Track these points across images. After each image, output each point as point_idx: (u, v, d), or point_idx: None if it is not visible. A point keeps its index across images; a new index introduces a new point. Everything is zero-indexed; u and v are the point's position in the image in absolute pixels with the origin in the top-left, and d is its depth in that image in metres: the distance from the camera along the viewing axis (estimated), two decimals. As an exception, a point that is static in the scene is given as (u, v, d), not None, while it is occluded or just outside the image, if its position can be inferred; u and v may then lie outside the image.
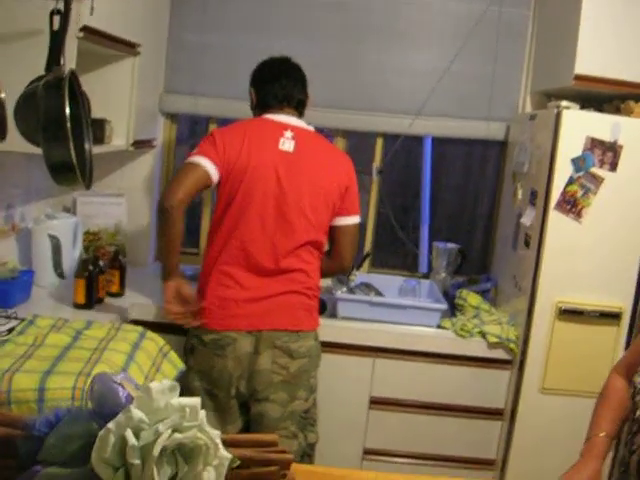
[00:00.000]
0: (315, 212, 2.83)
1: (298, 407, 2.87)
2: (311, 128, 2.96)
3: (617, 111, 3.25)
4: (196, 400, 1.13)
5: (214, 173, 2.73)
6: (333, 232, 2.97)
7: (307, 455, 2.95)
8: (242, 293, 2.79)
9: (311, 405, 2.94)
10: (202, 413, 1.12)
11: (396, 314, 3.40)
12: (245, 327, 2.78)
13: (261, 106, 2.97)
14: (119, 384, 1.17)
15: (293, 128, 2.86)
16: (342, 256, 3.01)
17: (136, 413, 1.08)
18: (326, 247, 3.02)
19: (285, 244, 2.79)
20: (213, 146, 2.75)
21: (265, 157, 2.77)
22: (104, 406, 1.15)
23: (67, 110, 1.83)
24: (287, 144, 2.81)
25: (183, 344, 2.92)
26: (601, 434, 2.03)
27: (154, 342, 2.52)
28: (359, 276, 3.81)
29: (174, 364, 2.54)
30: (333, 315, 3.49)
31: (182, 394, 1.18)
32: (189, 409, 1.11)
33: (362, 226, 4.06)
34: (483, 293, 3.72)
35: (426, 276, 4.11)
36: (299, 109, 2.98)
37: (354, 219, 2.98)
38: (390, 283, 3.93)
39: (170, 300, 2.76)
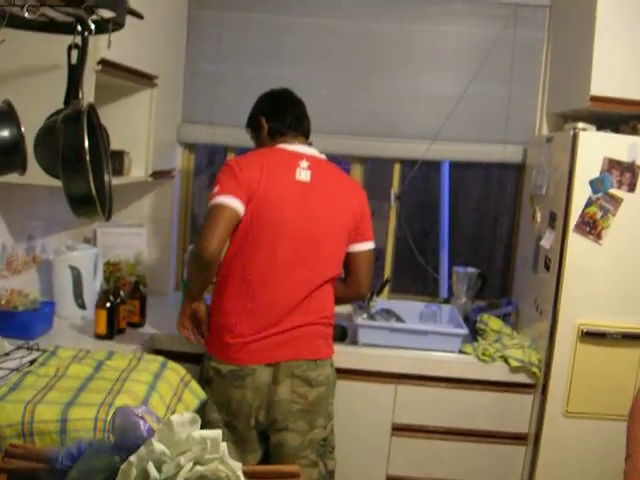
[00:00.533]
0: (333, 244, 2.84)
1: (317, 435, 2.85)
2: (323, 156, 2.97)
3: (634, 131, 3.24)
4: (217, 432, 1.13)
5: (241, 209, 2.71)
6: (349, 259, 2.95)
7: None
8: (257, 328, 2.76)
9: (329, 432, 2.92)
10: (223, 445, 1.12)
11: (417, 340, 3.38)
12: (263, 361, 2.76)
13: (273, 134, 2.97)
14: (140, 417, 1.17)
15: (308, 157, 2.86)
16: (359, 283, 2.99)
17: (158, 446, 1.08)
18: (341, 274, 3.01)
19: (304, 279, 2.78)
20: (234, 179, 2.72)
21: (283, 188, 2.77)
22: (126, 439, 1.15)
23: (86, 143, 1.85)
24: (304, 174, 2.80)
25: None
26: None
27: (175, 372, 2.53)
28: (379, 302, 3.80)
29: (196, 394, 2.54)
30: (354, 342, 3.47)
31: (201, 426, 1.18)
32: (210, 441, 1.11)
33: (381, 252, 4.07)
34: (504, 317, 3.71)
35: (447, 301, 4.10)
36: (308, 138, 3.01)
37: (369, 245, 2.97)
38: (411, 309, 3.91)
39: (184, 318, 2.88)
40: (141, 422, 1.16)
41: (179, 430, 1.09)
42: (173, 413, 2.29)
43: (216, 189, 2.73)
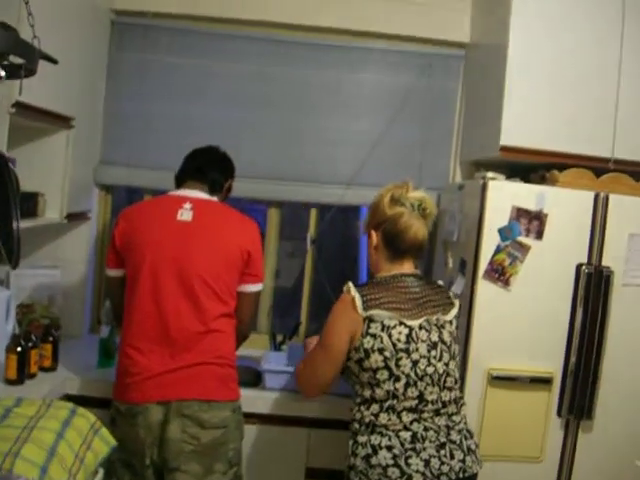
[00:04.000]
0: (218, 279, 2.84)
1: None
2: (214, 199, 3.03)
3: (543, 180, 3.36)
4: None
5: (122, 272, 2.95)
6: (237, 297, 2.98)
7: None
8: (151, 366, 2.79)
9: (231, 479, 2.88)
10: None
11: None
12: (154, 399, 2.76)
13: (177, 181, 3.09)
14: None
15: (192, 200, 2.93)
16: (241, 320, 2.99)
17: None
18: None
19: (192, 316, 2.80)
20: (113, 244, 2.95)
21: (161, 230, 2.86)
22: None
23: (-7, 192, 1.84)
24: (185, 214, 2.87)
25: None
26: None
27: (85, 419, 2.49)
28: (292, 345, 3.85)
29: (106, 441, 2.51)
30: (268, 387, 3.45)
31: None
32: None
33: (297, 295, 4.09)
34: (417, 360, 3.73)
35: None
36: (214, 187, 3.06)
37: (257, 287, 3.03)
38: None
39: None
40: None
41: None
42: (82, 462, 2.27)
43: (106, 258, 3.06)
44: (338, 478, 3.30)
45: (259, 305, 3.11)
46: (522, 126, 3.31)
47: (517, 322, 3.17)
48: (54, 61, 2.36)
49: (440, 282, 2.87)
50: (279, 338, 3.88)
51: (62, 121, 3.34)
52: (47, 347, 3.27)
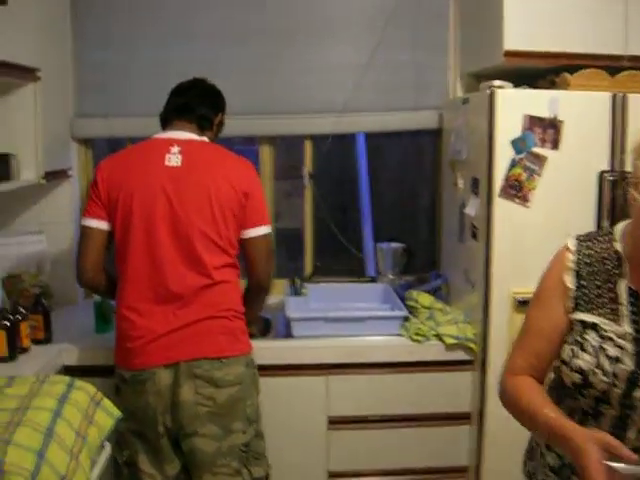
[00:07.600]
0: (215, 227, 2.66)
1: (236, 440, 2.70)
2: (204, 139, 2.84)
3: (553, 85, 3.18)
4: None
5: (105, 225, 2.74)
6: (242, 247, 2.79)
7: None
8: (153, 328, 2.64)
9: (251, 437, 2.76)
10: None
11: (355, 326, 3.27)
12: (161, 361, 2.63)
13: (162, 121, 2.89)
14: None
15: (180, 142, 2.75)
16: (255, 273, 2.83)
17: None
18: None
19: (191, 268, 2.65)
20: (95, 194, 2.74)
21: (150, 180, 2.68)
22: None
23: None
24: (174, 159, 2.70)
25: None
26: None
27: (84, 392, 2.33)
28: (311, 288, 3.76)
29: (109, 412, 2.36)
30: (285, 335, 3.33)
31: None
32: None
33: (300, 233, 3.92)
34: (434, 292, 3.61)
35: (374, 279, 3.99)
36: (202, 124, 2.87)
37: (262, 230, 2.79)
38: (342, 292, 3.82)
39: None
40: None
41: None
42: (84, 439, 2.12)
43: (85, 207, 2.81)
44: (362, 424, 3.19)
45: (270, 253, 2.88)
46: (526, 28, 3.10)
47: (539, 240, 2.99)
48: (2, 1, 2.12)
49: None
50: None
51: (26, 73, 3.12)
52: (37, 318, 3.11)
